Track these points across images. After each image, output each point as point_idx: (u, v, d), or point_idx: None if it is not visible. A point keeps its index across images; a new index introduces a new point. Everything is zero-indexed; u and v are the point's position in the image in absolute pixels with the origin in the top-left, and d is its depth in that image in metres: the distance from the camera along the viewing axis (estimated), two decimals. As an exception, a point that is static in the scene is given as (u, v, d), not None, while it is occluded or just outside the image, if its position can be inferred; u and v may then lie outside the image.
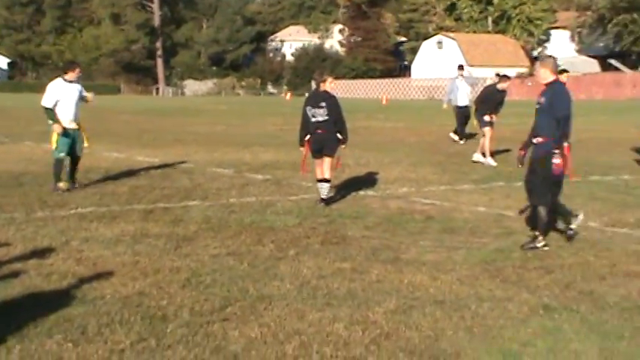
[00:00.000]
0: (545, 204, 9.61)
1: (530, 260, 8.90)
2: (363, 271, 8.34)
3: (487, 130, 18.58)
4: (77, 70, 14.10)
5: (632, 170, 17.39)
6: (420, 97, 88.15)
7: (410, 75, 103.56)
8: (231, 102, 76.55)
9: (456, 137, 24.73)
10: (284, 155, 19.92)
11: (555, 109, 9.56)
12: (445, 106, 26.15)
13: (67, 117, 13.74)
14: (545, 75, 9.83)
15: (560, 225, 10.13)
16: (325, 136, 12.54)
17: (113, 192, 14.04)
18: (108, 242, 9.78)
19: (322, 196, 12.62)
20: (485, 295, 7.49)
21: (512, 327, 6.53)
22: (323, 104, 12.58)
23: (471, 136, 24.65)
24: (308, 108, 12.71)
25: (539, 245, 9.42)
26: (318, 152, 12.64)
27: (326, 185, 12.66)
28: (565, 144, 9.61)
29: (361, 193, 14.14)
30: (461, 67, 26.75)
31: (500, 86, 19.07)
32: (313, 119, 12.56)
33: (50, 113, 13.62)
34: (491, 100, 19.01)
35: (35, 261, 8.71)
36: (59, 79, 13.85)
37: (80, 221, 11.19)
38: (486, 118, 18.55)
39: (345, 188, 14.43)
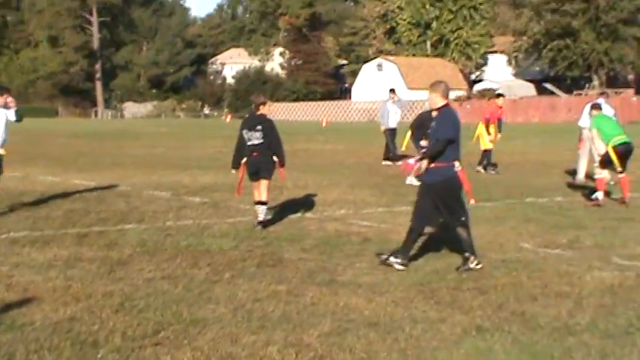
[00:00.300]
0: (462, 224, 9.73)
1: (464, 281, 8.98)
2: (299, 294, 8.35)
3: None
4: (4, 96, 13.74)
5: (566, 192, 17.70)
6: (361, 119, 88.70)
7: (350, 97, 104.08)
8: (171, 124, 76.17)
9: (389, 162, 25.01)
10: (222, 178, 19.81)
11: (439, 133, 9.67)
12: (382, 128, 26.41)
13: None
14: (435, 100, 9.90)
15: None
16: (261, 159, 12.58)
17: (47, 216, 13.83)
18: (40, 267, 9.61)
19: (259, 219, 12.63)
20: (420, 316, 7.54)
21: (445, 348, 6.59)
22: (259, 127, 12.61)
23: (404, 157, 25.07)
24: (244, 131, 12.73)
25: (472, 266, 9.51)
26: (254, 175, 12.67)
27: (263, 208, 12.68)
28: (458, 167, 9.71)
29: (299, 215, 14.16)
30: (392, 91, 27.62)
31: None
32: (249, 142, 12.59)
33: None
34: (426, 126, 19.12)
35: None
36: None
37: (12, 246, 11.01)
38: (423, 143, 18.67)
39: (283, 210, 14.42)
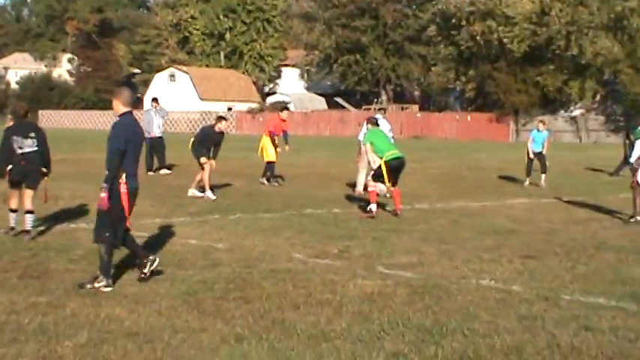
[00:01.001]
0: (104, 241, 9.36)
1: (231, 291, 9.12)
2: (59, 305, 8.24)
3: (207, 165, 18.84)
4: None
5: (343, 204, 18.26)
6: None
7: (142, 107, 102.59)
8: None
9: (152, 173, 25.77)
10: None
11: (110, 142, 9.42)
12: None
13: None
14: (116, 107, 9.72)
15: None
16: (30, 168, 12.32)
17: None
18: None
19: (27, 228, 12.34)
20: (181, 326, 7.64)
21: (201, 357, 6.72)
22: (32, 135, 12.38)
23: (172, 166, 26.65)
24: (14, 138, 12.41)
25: (97, 285, 9.16)
26: (18, 184, 12.37)
27: (31, 216, 12.39)
28: (122, 179, 9.33)
29: (72, 225, 13.90)
30: (155, 100, 28.46)
31: (217, 127, 19.35)
32: (20, 150, 12.29)
33: None
34: (208, 140, 19.30)
35: None
36: None
37: None
38: (202, 160, 18.80)
39: (56, 220, 14.14)
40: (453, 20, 73.28)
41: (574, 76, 67.92)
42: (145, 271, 9.53)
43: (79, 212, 15.42)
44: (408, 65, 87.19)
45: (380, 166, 16.05)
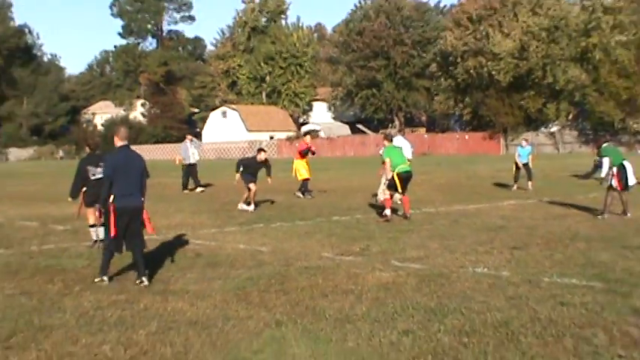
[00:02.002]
0: (105, 247, 9.74)
1: (272, 285, 9.15)
2: (134, 301, 8.32)
3: (252, 186, 18.89)
4: None
5: (365, 211, 18.22)
6: (211, 157, 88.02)
7: (201, 139, 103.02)
8: (49, 165, 73.16)
9: (187, 191, 26.42)
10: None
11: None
12: (184, 163, 27.74)
13: None
14: (116, 142, 9.84)
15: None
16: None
17: None
18: None
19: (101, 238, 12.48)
20: (232, 315, 7.67)
21: (247, 339, 6.75)
22: (101, 164, 12.57)
23: (207, 185, 27.79)
24: (88, 167, 12.62)
25: (96, 280, 9.51)
26: (92, 204, 12.49)
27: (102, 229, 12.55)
28: (111, 202, 9.39)
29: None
30: (190, 134, 30.18)
31: (258, 158, 19.44)
32: (93, 177, 12.45)
33: None
34: (252, 167, 19.29)
35: None
36: None
37: None
38: (251, 185, 18.73)
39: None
40: (450, 58, 73.99)
41: (550, 100, 68.23)
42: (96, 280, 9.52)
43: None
44: (415, 96, 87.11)
45: (393, 177, 16.02)
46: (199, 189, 26.77)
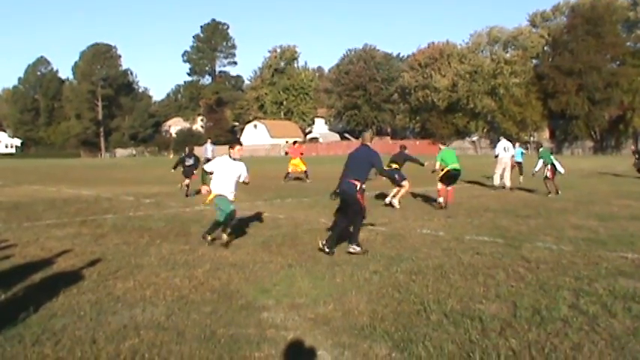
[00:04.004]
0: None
1: (286, 241, 8.93)
2: (195, 250, 8.21)
3: (405, 182, 14.29)
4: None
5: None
6: (245, 155, 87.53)
7: (241, 144, 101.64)
8: (140, 160, 73.01)
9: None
10: (164, 189, 19.29)
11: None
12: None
13: None
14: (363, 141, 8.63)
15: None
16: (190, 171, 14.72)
17: (66, 211, 13.09)
18: (59, 238, 9.21)
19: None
20: (259, 260, 7.62)
21: (269, 276, 6.73)
22: (192, 157, 14.76)
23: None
24: (186, 158, 13.89)
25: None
26: (186, 177, 13.57)
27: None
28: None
29: (200, 207, 13.87)
30: (209, 139, 29.66)
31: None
32: (187, 164, 13.68)
33: None
34: (400, 160, 15.28)
35: (18, 249, 8.24)
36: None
37: (46, 227, 10.48)
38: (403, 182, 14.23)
39: (194, 204, 14.17)
40: (407, 90, 74.80)
41: (472, 119, 69.97)
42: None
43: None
44: (383, 115, 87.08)
45: (445, 173, 13.56)
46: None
